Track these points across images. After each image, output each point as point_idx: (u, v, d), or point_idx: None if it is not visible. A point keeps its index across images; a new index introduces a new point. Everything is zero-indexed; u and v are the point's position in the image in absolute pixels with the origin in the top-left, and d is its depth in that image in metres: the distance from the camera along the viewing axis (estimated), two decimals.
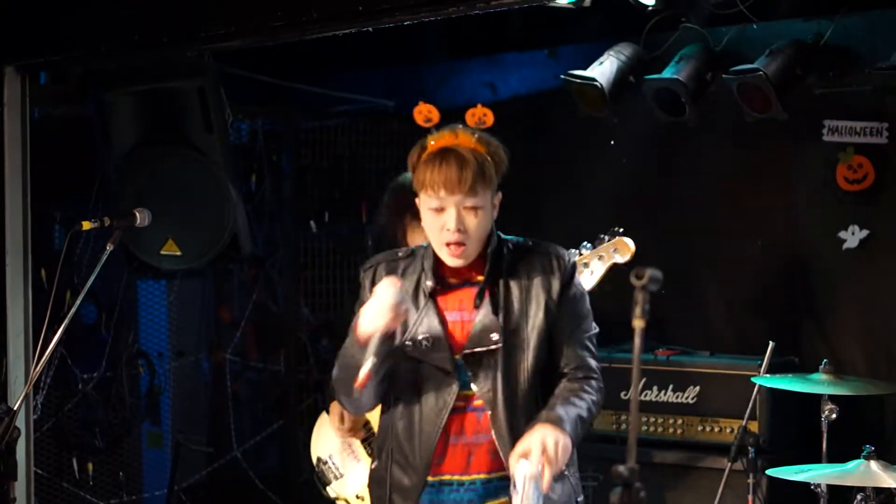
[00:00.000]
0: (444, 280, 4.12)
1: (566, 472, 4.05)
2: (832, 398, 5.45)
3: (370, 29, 4.97)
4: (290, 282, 7.64)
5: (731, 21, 6.15)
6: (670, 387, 6.18)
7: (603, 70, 6.29)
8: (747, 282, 6.58)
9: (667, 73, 6.14)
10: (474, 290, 4.10)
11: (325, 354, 7.46)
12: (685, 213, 6.75)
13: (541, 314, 4.07)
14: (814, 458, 5.40)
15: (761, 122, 6.00)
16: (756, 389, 5.68)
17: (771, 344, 5.73)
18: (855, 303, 6.24)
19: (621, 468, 3.08)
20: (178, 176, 6.00)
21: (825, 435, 5.46)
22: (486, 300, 4.07)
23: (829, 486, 5.28)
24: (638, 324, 3.13)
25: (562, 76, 6.34)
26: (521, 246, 4.17)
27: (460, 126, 4.12)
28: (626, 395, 5.97)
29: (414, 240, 5.13)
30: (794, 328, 6.37)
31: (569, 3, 5.52)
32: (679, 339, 6.52)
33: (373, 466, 4.24)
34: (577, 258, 5.09)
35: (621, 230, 5.08)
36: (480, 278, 4.10)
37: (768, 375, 5.62)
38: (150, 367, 7.47)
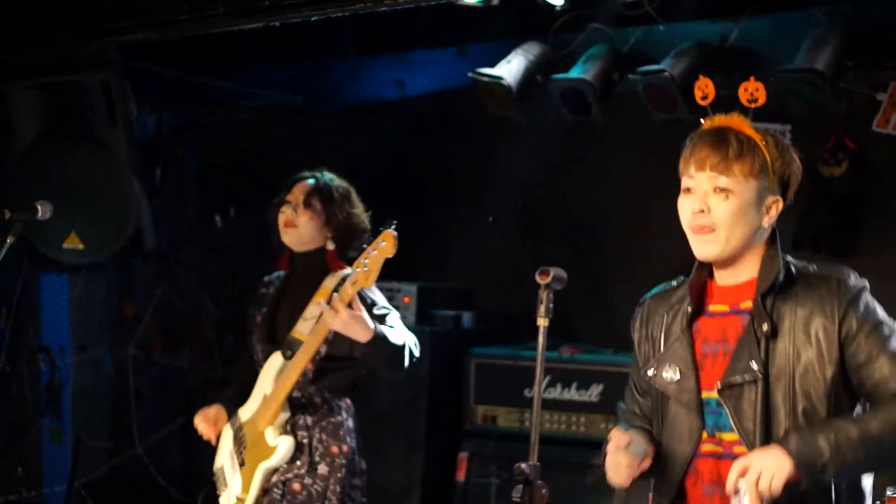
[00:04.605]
0: (707, 307, 3.57)
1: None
2: None
3: (277, 24, 4.94)
4: (195, 277, 7.58)
5: (637, 22, 6.19)
6: (574, 385, 6.21)
7: (510, 68, 6.29)
8: (653, 280, 6.56)
9: (573, 73, 6.16)
10: (741, 319, 3.48)
11: (231, 351, 7.40)
12: (592, 211, 6.78)
13: (813, 349, 3.39)
14: None
15: (667, 122, 6.03)
16: None
17: None
18: None
19: (523, 466, 3.09)
20: (81, 169, 5.94)
21: None
22: (750, 326, 3.45)
23: None
24: (542, 322, 3.15)
25: (469, 74, 6.34)
26: (804, 271, 3.49)
27: (738, 112, 3.51)
28: (529, 392, 5.99)
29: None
30: None
31: (477, 2, 5.53)
32: (586, 337, 6.56)
33: None
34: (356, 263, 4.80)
35: (394, 223, 4.66)
36: (749, 304, 3.47)
37: None
38: (51, 362, 7.37)
